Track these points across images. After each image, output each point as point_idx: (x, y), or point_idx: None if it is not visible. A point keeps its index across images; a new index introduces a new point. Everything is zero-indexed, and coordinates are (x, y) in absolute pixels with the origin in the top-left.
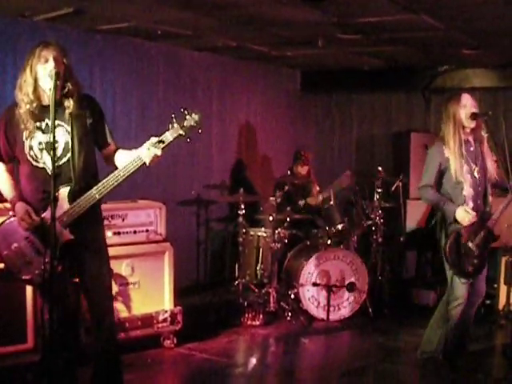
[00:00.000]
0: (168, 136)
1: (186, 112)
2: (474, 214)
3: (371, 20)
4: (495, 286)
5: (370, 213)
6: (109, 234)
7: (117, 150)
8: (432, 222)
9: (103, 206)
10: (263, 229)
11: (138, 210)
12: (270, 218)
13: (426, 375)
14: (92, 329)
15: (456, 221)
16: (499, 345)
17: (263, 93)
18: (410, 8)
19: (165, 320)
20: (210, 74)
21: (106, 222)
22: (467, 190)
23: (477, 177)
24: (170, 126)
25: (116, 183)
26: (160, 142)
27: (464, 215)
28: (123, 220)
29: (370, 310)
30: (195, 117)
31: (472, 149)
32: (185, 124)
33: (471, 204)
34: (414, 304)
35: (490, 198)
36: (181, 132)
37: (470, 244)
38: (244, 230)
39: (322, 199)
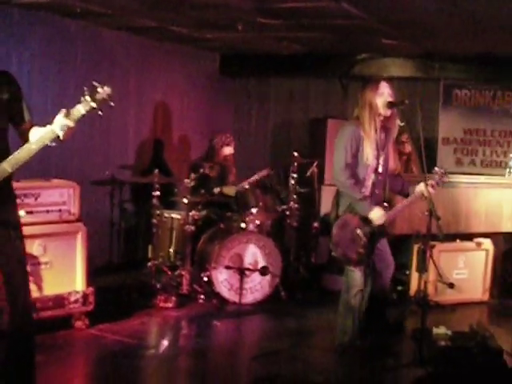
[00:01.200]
0: (80, 108)
1: (97, 85)
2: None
3: (292, 5)
4: (407, 272)
5: (285, 197)
6: (21, 212)
7: (32, 127)
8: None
9: (16, 185)
10: (177, 211)
11: (51, 189)
12: (185, 201)
13: (337, 359)
14: (7, 304)
15: (349, 207)
16: (410, 330)
17: (182, 74)
18: None
19: (76, 301)
20: (129, 53)
21: (18, 201)
22: (369, 175)
23: (381, 164)
24: (82, 99)
25: (28, 157)
26: (71, 113)
27: (380, 215)
28: (36, 199)
29: (283, 294)
30: (107, 90)
31: (383, 137)
32: (96, 97)
33: (369, 190)
34: (327, 289)
35: (386, 192)
36: (92, 104)
37: (359, 231)
38: (158, 212)
39: (237, 191)
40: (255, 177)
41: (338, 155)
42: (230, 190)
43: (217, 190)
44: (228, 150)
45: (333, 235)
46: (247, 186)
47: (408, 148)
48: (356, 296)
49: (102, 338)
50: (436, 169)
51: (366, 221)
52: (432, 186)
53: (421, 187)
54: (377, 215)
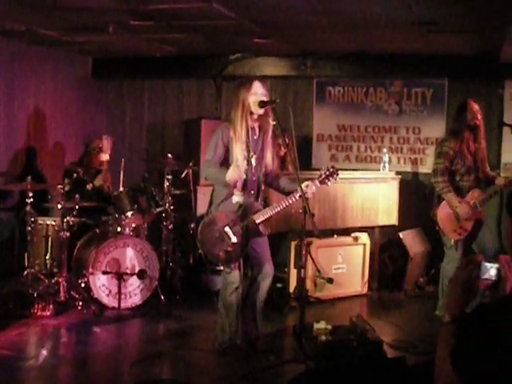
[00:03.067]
0: None
1: None
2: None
3: (162, 7)
4: (286, 269)
5: (160, 200)
6: None
7: None
8: None
9: None
10: (52, 217)
11: None
12: (59, 206)
13: (220, 359)
14: None
15: (219, 205)
16: (290, 326)
17: (53, 79)
18: None
19: None
20: None
21: None
22: (240, 176)
23: (253, 164)
24: None
25: None
26: None
27: (233, 172)
28: None
29: (162, 297)
30: None
31: (255, 137)
32: None
33: (241, 190)
34: (206, 289)
35: (261, 192)
36: None
37: (227, 229)
38: (32, 219)
39: (110, 175)
40: None
41: (206, 154)
42: (100, 180)
43: (89, 186)
44: (104, 157)
45: (199, 233)
46: (121, 189)
47: (282, 151)
48: (233, 294)
49: None
50: (325, 167)
51: (237, 219)
52: (315, 185)
53: (311, 188)
54: (231, 173)
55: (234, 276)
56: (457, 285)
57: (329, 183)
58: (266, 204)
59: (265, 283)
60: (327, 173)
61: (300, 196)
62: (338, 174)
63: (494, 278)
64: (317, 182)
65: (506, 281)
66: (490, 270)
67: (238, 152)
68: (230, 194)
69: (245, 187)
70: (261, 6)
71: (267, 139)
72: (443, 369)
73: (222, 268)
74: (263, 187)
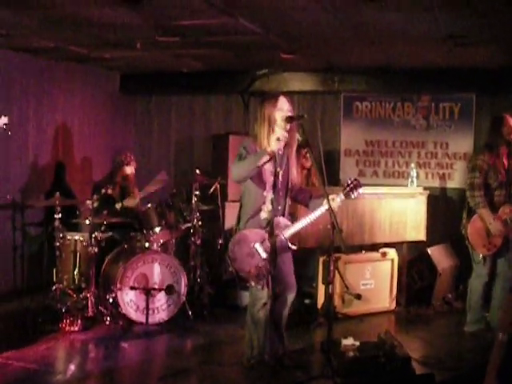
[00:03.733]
0: None
1: None
2: None
3: (189, 23)
4: (314, 285)
5: (188, 215)
6: None
7: None
8: None
9: None
10: (80, 233)
11: None
12: (87, 222)
13: (247, 375)
14: None
15: (248, 221)
16: (318, 342)
17: (82, 95)
18: (227, 11)
19: None
20: (27, 74)
21: None
22: (267, 192)
23: (279, 180)
24: None
25: None
26: None
27: (263, 151)
28: None
29: (190, 313)
30: (3, 119)
31: (281, 152)
32: None
33: (269, 206)
34: (234, 305)
35: (287, 207)
36: None
37: (257, 245)
38: (61, 235)
39: (140, 200)
40: (152, 185)
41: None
42: (130, 202)
43: (118, 205)
44: (129, 170)
45: (229, 250)
46: (149, 205)
47: (308, 162)
48: (261, 310)
49: (6, 365)
50: (349, 179)
51: (266, 235)
52: (340, 198)
53: (337, 201)
54: (262, 151)
55: (263, 292)
56: None
57: (353, 196)
58: (294, 219)
59: (289, 299)
60: (351, 185)
61: (326, 209)
62: (361, 186)
63: None
64: (341, 194)
65: None
66: None
67: (266, 168)
68: (257, 210)
69: (275, 184)
70: (286, 21)
71: (292, 154)
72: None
73: (252, 284)
74: (290, 202)
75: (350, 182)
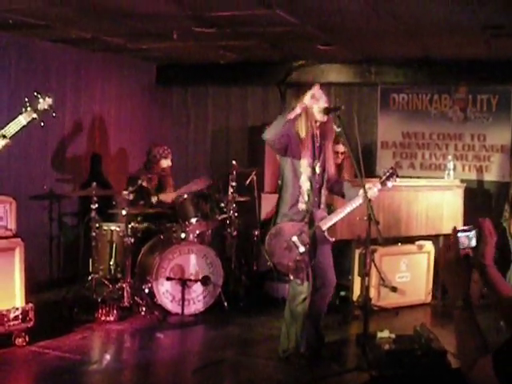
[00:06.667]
0: (21, 120)
1: (39, 95)
2: None
3: (226, 14)
4: (350, 277)
5: (225, 206)
6: None
7: None
8: None
9: None
10: (116, 223)
11: None
12: (123, 213)
13: (283, 367)
14: None
15: (285, 214)
16: (353, 335)
17: (118, 85)
18: (265, 2)
19: (16, 318)
20: (64, 65)
21: None
22: (304, 184)
23: (317, 172)
24: (24, 110)
25: None
26: (5, 132)
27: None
28: None
29: (226, 304)
30: (48, 100)
31: (317, 144)
32: (38, 107)
33: (306, 198)
34: (270, 296)
35: (323, 199)
36: (34, 115)
37: (295, 238)
38: (97, 225)
39: (175, 197)
40: (192, 186)
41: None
42: (167, 197)
43: (154, 199)
44: (165, 163)
45: (266, 244)
46: (185, 196)
47: (339, 159)
48: (301, 304)
49: (43, 354)
50: (385, 168)
51: (303, 227)
52: (376, 187)
53: (373, 191)
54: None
55: (303, 286)
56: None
57: (389, 184)
58: (331, 210)
59: (329, 293)
60: (387, 174)
61: (363, 201)
62: (397, 175)
63: (472, 245)
64: (378, 184)
65: (486, 245)
66: (468, 239)
67: (304, 161)
68: (295, 202)
69: (312, 176)
70: (323, 12)
71: (328, 146)
72: (481, 368)
73: (291, 278)
74: (327, 193)
75: (386, 171)
